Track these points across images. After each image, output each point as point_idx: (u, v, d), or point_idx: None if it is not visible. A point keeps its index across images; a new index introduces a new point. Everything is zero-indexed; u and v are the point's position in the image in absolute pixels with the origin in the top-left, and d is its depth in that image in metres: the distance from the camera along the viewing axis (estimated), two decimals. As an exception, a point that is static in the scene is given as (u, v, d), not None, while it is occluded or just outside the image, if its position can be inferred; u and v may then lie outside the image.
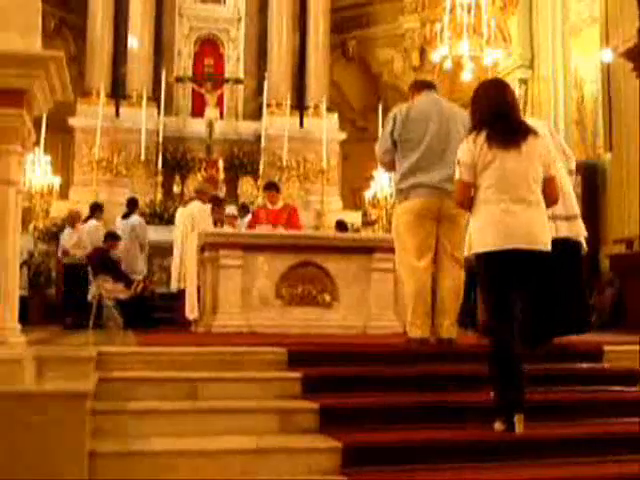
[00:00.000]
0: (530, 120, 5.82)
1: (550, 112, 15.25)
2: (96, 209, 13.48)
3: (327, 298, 9.07)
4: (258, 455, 4.57)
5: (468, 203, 5.12)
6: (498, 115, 5.08)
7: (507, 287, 4.96)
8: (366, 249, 9.21)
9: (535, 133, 5.12)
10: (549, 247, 5.02)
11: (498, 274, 4.97)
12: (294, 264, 9.02)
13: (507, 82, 5.65)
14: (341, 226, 14.00)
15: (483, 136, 5.04)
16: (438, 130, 6.61)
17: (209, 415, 4.99)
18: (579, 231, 6.62)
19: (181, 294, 11.24)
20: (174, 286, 11.45)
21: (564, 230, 6.49)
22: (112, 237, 12.74)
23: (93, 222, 13.24)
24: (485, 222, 5.02)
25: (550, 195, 5.15)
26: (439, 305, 6.45)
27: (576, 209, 6.66)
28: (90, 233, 12.90)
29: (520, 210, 4.94)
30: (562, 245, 6.15)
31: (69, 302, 12.62)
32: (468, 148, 5.11)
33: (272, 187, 11.72)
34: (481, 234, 5.04)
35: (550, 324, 6.45)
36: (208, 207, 11.57)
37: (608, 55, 13.48)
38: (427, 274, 6.39)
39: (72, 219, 13.25)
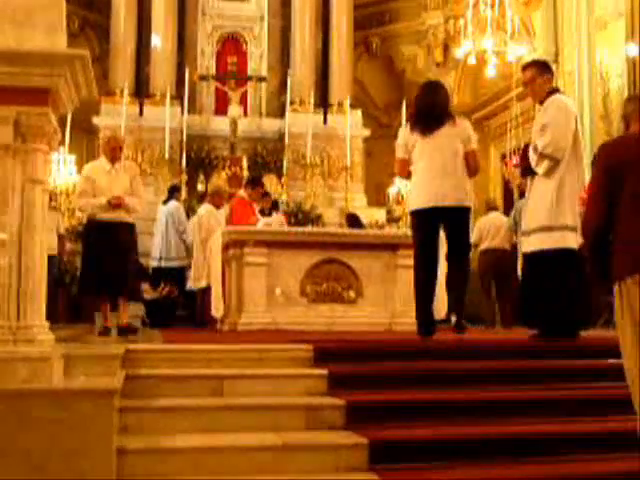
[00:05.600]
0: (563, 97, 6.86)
1: (575, 106, 15.17)
2: (175, 191, 13.45)
3: (352, 295, 9.08)
4: (285, 452, 4.58)
5: (406, 176, 6.91)
6: (422, 110, 6.84)
7: (431, 236, 6.65)
8: (390, 246, 9.21)
9: (453, 121, 6.76)
10: (466, 203, 6.70)
11: (424, 226, 6.67)
12: (318, 261, 9.03)
13: (439, 84, 7.38)
14: (353, 220, 13.46)
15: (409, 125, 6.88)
16: None
17: (235, 412, 5.00)
18: None
19: (199, 293, 11.28)
20: (193, 285, 11.45)
21: (571, 241, 6.54)
22: None
23: (174, 203, 13.14)
24: (415, 187, 6.77)
25: (469, 165, 6.79)
26: None
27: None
28: (171, 214, 12.80)
29: (439, 177, 6.58)
30: (568, 256, 6.54)
31: None
32: (401, 134, 7.01)
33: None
34: (413, 196, 6.82)
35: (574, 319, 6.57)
36: (222, 211, 11.57)
37: (634, 49, 13.38)
38: None
39: None
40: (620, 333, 4.08)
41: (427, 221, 6.68)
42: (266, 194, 12.62)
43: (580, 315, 6.70)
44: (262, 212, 12.03)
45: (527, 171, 6.90)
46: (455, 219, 6.75)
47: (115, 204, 8.12)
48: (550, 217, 6.61)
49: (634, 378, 3.99)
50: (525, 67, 7.14)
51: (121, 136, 9.36)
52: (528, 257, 6.90)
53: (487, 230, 11.89)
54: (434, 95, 6.96)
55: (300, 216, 15.52)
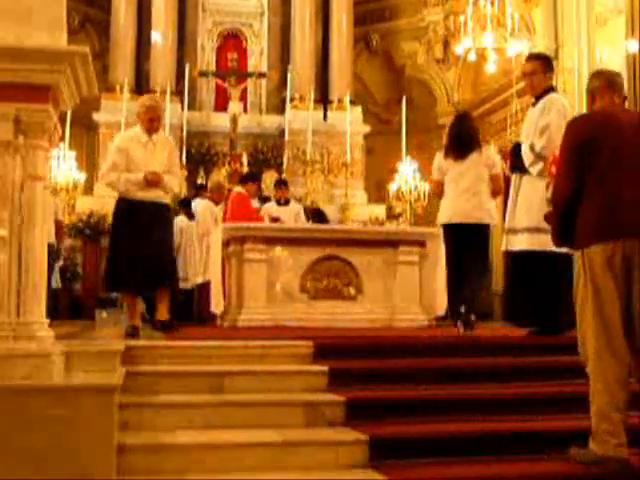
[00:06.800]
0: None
1: (575, 103, 15.15)
2: (199, 188, 13.43)
3: (352, 291, 9.07)
4: (285, 448, 4.58)
5: (440, 194, 7.68)
6: (453, 139, 7.66)
7: (458, 247, 7.50)
8: (391, 242, 9.20)
9: (480, 149, 7.59)
10: (485, 221, 7.54)
11: (451, 238, 7.58)
12: (319, 258, 9.01)
13: (468, 115, 8.35)
14: (317, 214, 13.37)
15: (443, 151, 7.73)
16: None
17: (235, 408, 5.01)
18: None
19: (197, 289, 11.25)
20: (196, 280, 11.41)
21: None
22: None
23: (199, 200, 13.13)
24: (445, 204, 7.61)
25: (493, 187, 7.65)
26: None
27: None
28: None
29: (465, 197, 7.46)
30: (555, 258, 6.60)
31: None
32: (437, 158, 7.79)
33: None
34: (442, 212, 7.65)
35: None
36: (220, 207, 11.52)
37: (634, 46, 13.37)
38: None
39: None
40: (579, 298, 4.50)
41: (453, 234, 7.57)
42: (283, 183, 12.57)
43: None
44: (279, 202, 12.02)
45: (515, 169, 6.97)
46: (476, 234, 7.52)
47: (152, 181, 7.20)
48: (540, 219, 6.63)
49: (585, 341, 4.45)
50: (529, 58, 7.28)
51: (160, 103, 7.88)
52: (515, 255, 6.96)
53: None
54: (463, 126, 7.78)
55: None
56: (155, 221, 7.25)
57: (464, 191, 7.50)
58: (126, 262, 7.18)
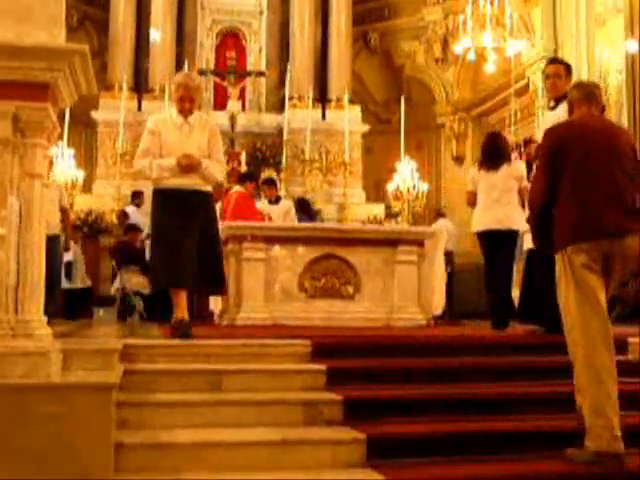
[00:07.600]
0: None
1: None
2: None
3: (350, 290, 9.06)
4: (283, 447, 4.58)
5: (474, 204, 8.18)
6: (486, 153, 8.23)
7: (491, 251, 7.99)
8: (389, 241, 9.19)
9: (509, 163, 8.12)
10: (514, 227, 7.95)
11: (484, 244, 8.07)
12: (317, 257, 9.01)
13: (500, 134, 9.04)
14: (302, 204, 13.33)
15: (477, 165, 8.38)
16: None
17: (234, 407, 5.01)
18: None
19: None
20: None
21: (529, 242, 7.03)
22: (133, 229, 12.74)
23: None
24: (477, 213, 8.15)
25: (523, 198, 7.79)
26: None
27: None
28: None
29: (495, 207, 7.98)
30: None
31: None
32: (472, 170, 8.57)
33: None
34: (475, 220, 8.16)
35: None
36: (218, 205, 11.48)
37: (633, 46, 13.38)
38: None
39: None
40: (562, 297, 4.65)
41: (486, 240, 8.10)
42: (270, 182, 12.57)
43: None
44: (270, 201, 12.01)
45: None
46: (505, 239, 7.99)
47: (186, 165, 6.42)
48: None
49: (575, 338, 4.54)
50: (553, 61, 7.75)
51: (193, 82, 6.74)
52: (531, 254, 7.12)
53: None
54: (496, 141, 8.42)
55: (299, 211, 15.51)
56: (195, 212, 6.50)
57: (494, 201, 8.03)
58: (167, 262, 6.53)
